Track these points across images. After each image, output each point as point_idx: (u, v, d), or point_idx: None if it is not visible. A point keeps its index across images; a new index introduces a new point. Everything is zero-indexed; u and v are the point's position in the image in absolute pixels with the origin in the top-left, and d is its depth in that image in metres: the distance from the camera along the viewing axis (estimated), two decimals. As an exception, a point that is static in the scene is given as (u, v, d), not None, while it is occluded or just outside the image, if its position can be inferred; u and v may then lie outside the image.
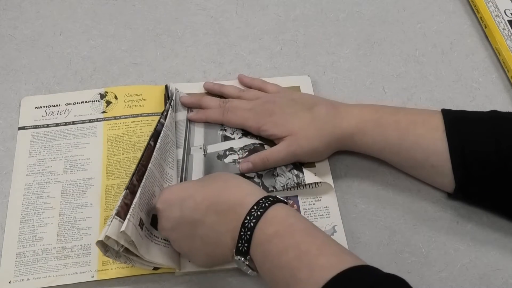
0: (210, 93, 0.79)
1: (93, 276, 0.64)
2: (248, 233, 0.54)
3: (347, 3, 0.91)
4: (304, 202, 0.69)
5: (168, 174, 0.68)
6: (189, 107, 0.76)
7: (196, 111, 0.76)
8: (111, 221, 0.58)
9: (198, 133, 0.75)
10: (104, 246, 0.58)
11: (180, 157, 0.72)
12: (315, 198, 0.70)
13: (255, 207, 0.55)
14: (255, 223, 0.54)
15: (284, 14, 0.89)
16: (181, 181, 0.70)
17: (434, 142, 0.65)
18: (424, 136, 0.66)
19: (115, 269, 0.64)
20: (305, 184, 0.70)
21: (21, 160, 0.72)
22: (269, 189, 0.69)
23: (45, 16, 0.88)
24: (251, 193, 0.58)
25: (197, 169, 0.72)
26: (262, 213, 0.55)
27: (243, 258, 0.56)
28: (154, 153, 0.65)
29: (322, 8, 0.90)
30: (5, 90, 0.79)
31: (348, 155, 0.74)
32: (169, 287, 0.64)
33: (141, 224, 0.60)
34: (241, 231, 0.55)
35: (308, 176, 0.70)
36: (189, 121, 0.76)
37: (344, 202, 0.70)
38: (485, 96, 0.80)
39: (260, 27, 0.88)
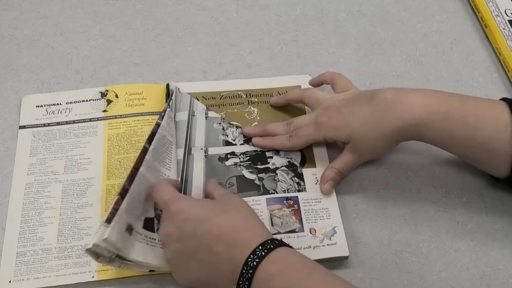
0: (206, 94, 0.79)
1: (93, 276, 0.64)
2: (250, 271, 0.55)
3: (347, 3, 0.91)
4: (304, 203, 0.69)
5: (165, 175, 0.68)
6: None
7: (263, 138, 0.75)
8: (100, 228, 0.59)
9: (200, 134, 0.75)
10: (95, 253, 0.59)
11: (181, 157, 0.72)
12: (316, 199, 0.70)
13: (260, 247, 0.56)
14: (258, 263, 0.55)
15: (285, 14, 0.89)
16: (181, 180, 0.70)
17: (502, 144, 0.63)
18: (492, 137, 0.63)
19: (116, 270, 0.64)
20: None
21: (21, 160, 0.72)
22: (270, 192, 0.70)
23: (46, 16, 0.88)
24: (261, 234, 0.58)
25: (198, 169, 0.72)
26: (266, 254, 0.55)
27: None
28: (147, 156, 0.65)
29: (322, 8, 0.90)
30: (6, 90, 0.79)
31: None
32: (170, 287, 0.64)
33: (129, 229, 0.61)
34: (243, 268, 0.55)
35: (309, 185, 0.71)
36: (191, 121, 0.76)
37: (344, 202, 0.70)
38: (485, 96, 0.79)
39: (260, 27, 0.88)
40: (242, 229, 0.59)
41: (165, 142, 0.70)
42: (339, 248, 0.65)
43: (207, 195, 0.68)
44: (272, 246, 0.56)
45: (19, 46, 0.84)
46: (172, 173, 0.69)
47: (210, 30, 0.87)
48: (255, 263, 0.55)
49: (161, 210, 0.64)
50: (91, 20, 0.88)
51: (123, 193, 0.62)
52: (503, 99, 0.66)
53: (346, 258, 0.65)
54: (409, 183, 0.72)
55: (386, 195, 0.71)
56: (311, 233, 0.67)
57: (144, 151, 0.66)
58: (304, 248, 0.65)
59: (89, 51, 0.84)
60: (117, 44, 0.85)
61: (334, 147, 0.73)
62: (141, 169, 0.64)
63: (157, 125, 0.69)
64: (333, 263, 0.65)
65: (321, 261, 0.64)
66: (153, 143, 0.67)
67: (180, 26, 0.87)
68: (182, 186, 0.70)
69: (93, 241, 0.58)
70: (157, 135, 0.68)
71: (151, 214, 0.65)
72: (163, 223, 0.62)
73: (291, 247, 0.58)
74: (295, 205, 0.69)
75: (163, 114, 0.71)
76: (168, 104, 0.73)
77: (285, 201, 0.69)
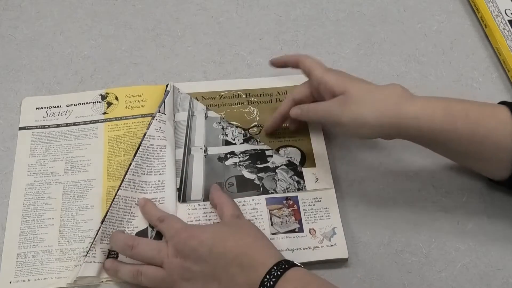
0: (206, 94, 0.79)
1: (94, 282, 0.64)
2: None
3: (347, 3, 0.91)
4: (304, 203, 0.69)
5: (159, 181, 0.69)
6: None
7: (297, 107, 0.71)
8: (80, 260, 0.63)
9: (199, 134, 0.75)
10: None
11: (180, 157, 0.73)
12: (315, 199, 0.70)
13: (275, 267, 0.56)
14: (275, 282, 0.55)
15: (284, 14, 0.89)
16: (181, 180, 0.71)
17: (505, 137, 0.62)
18: (495, 129, 0.62)
19: (116, 271, 0.64)
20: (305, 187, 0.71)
21: (21, 160, 0.72)
22: (269, 191, 0.70)
23: (46, 16, 0.88)
24: (274, 255, 0.59)
25: (197, 169, 0.72)
26: (281, 274, 0.56)
27: None
28: (127, 175, 0.68)
29: (322, 8, 0.90)
30: (6, 90, 0.79)
31: (347, 154, 0.74)
32: None
33: (111, 255, 0.64)
34: None
35: (309, 183, 0.71)
36: (190, 121, 0.76)
37: (344, 202, 0.70)
38: (485, 96, 0.80)
39: (260, 27, 0.88)
40: (255, 251, 0.59)
41: (154, 150, 0.71)
42: (339, 250, 0.66)
43: (212, 202, 0.69)
44: (286, 266, 0.57)
45: (19, 46, 0.84)
46: (167, 177, 0.70)
47: (210, 30, 0.87)
48: (271, 282, 0.55)
49: None
50: (91, 20, 0.88)
51: (103, 219, 0.65)
52: (501, 102, 0.65)
53: (345, 260, 0.66)
54: (409, 183, 0.72)
55: (386, 195, 0.71)
56: (310, 233, 0.67)
57: (127, 170, 0.68)
58: (303, 249, 0.66)
59: (89, 51, 0.84)
60: (117, 44, 0.85)
61: (334, 146, 0.74)
62: (120, 191, 0.66)
63: (144, 135, 0.71)
64: (333, 263, 0.65)
65: (320, 263, 0.65)
66: (135, 158, 0.69)
67: (180, 26, 0.87)
68: (182, 186, 0.70)
69: (74, 277, 0.62)
70: (142, 147, 0.70)
71: (142, 226, 0.67)
72: (176, 250, 0.61)
73: (302, 267, 0.59)
74: (295, 205, 0.69)
75: (151, 121, 0.72)
76: (159, 108, 0.73)
77: (284, 201, 0.70)
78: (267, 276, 0.56)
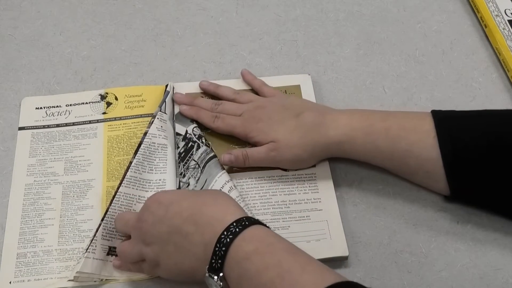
0: (205, 92, 0.78)
1: (94, 280, 0.63)
2: (223, 248, 0.53)
3: (347, 3, 0.91)
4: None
5: (160, 180, 0.69)
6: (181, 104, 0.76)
7: (190, 107, 0.75)
8: (80, 258, 0.63)
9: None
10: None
11: (180, 157, 0.73)
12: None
13: (234, 224, 0.54)
14: (232, 239, 0.53)
15: (284, 14, 0.89)
16: (180, 180, 0.70)
17: (427, 149, 0.64)
18: (416, 143, 0.65)
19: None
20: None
21: (21, 160, 0.72)
22: None
23: (45, 15, 0.88)
24: (234, 212, 0.56)
25: (197, 169, 0.72)
26: (240, 230, 0.53)
27: (216, 277, 0.53)
28: (129, 173, 0.67)
29: (322, 8, 0.90)
30: (5, 90, 0.79)
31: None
32: (170, 288, 0.64)
33: (112, 252, 0.64)
34: (216, 246, 0.53)
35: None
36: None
37: (344, 202, 0.70)
38: (485, 96, 0.80)
39: (260, 27, 0.88)
40: (213, 208, 0.57)
41: (156, 148, 0.71)
42: (339, 248, 0.65)
43: None
44: (247, 223, 0.54)
45: (19, 46, 0.84)
46: (168, 176, 0.69)
47: (210, 30, 0.87)
48: (228, 239, 0.53)
49: None
50: (91, 20, 0.88)
51: (104, 216, 0.64)
52: (432, 111, 0.67)
53: (345, 258, 0.66)
54: (409, 183, 0.72)
55: (386, 195, 0.71)
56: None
57: (128, 167, 0.68)
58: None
59: (89, 51, 0.84)
60: (117, 44, 0.85)
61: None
62: (121, 188, 0.66)
63: (144, 134, 0.71)
64: (332, 263, 0.65)
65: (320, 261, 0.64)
66: (137, 156, 0.69)
67: (180, 26, 0.87)
68: (181, 186, 0.70)
69: (73, 272, 0.61)
70: (144, 145, 0.70)
71: None
72: (140, 214, 0.61)
73: (268, 227, 0.57)
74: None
75: (152, 120, 0.72)
76: (160, 108, 0.73)
77: None
78: (224, 233, 0.53)
